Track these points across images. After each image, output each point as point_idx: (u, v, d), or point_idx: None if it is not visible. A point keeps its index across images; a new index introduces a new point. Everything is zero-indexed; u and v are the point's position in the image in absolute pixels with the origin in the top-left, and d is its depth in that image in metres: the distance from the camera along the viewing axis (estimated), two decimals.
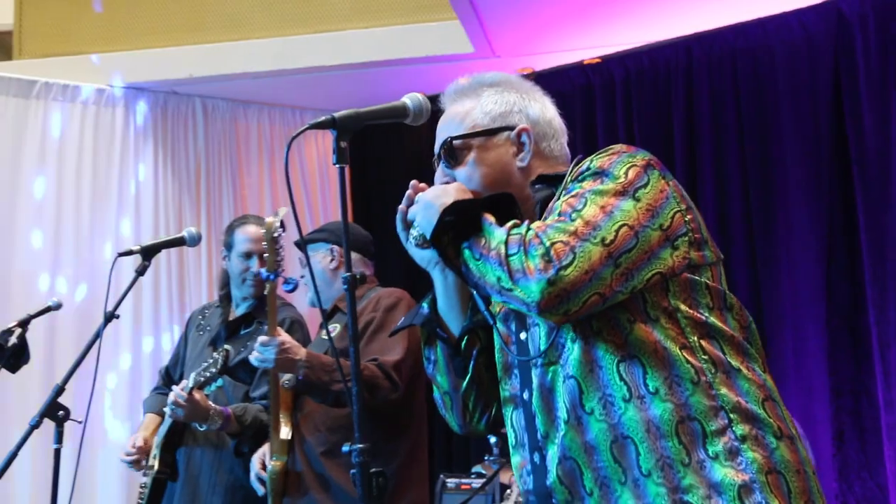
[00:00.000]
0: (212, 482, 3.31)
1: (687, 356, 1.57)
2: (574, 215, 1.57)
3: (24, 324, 3.20)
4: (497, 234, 1.60)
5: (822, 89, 4.58)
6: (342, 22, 5.43)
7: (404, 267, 4.66)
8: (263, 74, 5.62)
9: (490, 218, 1.65)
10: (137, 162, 5.65)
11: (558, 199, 1.67)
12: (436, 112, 1.92)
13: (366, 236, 3.37)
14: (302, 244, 3.13)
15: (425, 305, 1.90)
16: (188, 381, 3.15)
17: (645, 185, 1.61)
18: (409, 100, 1.85)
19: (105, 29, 5.60)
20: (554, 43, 5.20)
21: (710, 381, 1.57)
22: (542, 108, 1.86)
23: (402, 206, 1.80)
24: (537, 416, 1.68)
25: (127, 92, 5.69)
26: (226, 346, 3.07)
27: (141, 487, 3.42)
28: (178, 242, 3.13)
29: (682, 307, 1.60)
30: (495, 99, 1.84)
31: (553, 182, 1.74)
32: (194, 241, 3.10)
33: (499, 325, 1.81)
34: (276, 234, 2.92)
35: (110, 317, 2.87)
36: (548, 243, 1.53)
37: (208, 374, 3.07)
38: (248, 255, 3.44)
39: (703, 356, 1.58)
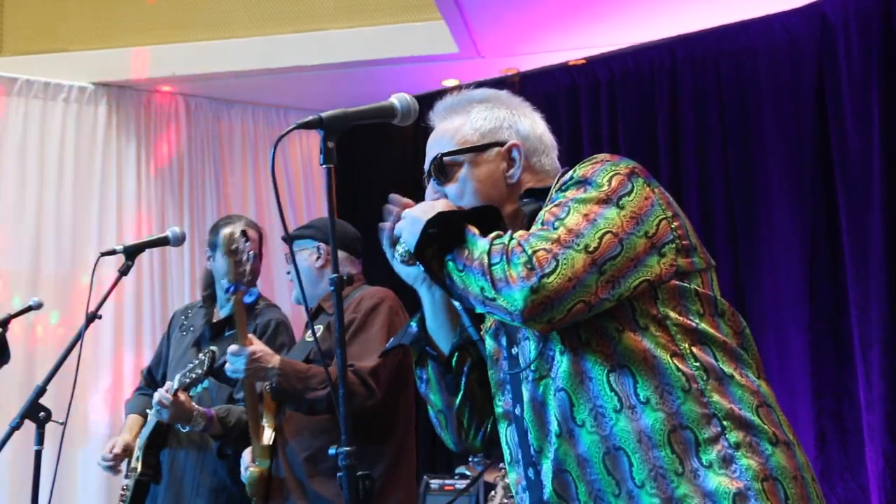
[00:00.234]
0: (195, 484, 3.28)
1: (678, 364, 1.56)
2: (557, 223, 1.56)
3: (3, 323, 3.17)
4: (480, 245, 1.59)
5: (804, 92, 4.61)
6: (327, 21, 5.42)
7: (389, 266, 4.66)
8: (247, 73, 5.60)
9: (473, 230, 1.64)
10: (120, 161, 5.61)
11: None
12: (423, 114, 1.91)
13: (353, 234, 3.32)
14: (288, 240, 3.10)
15: (414, 324, 1.89)
16: (173, 383, 3.12)
17: (629, 193, 1.60)
18: (396, 100, 1.83)
19: (87, 27, 5.56)
20: (539, 44, 5.21)
21: (702, 388, 1.55)
22: (532, 124, 1.85)
23: (387, 224, 1.79)
24: (530, 430, 1.66)
25: (109, 90, 5.66)
26: (211, 348, 3.04)
27: (123, 489, 3.39)
28: (162, 242, 3.10)
29: (672, 314, 1.59)
30: (485, 115, 1.83)
31: (541, 195, 1.73)
32: (178, 240, 3.08)
33: (489, 340, 1.80)
34: (234, 247, 2.86)
35: (92, 317, 2.83)
36: (530, 251, 1.52)
37: (194, 376, 3.05)
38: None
39: (695, 363, 1.57)
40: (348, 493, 1.66)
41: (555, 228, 1.55)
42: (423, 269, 1.68)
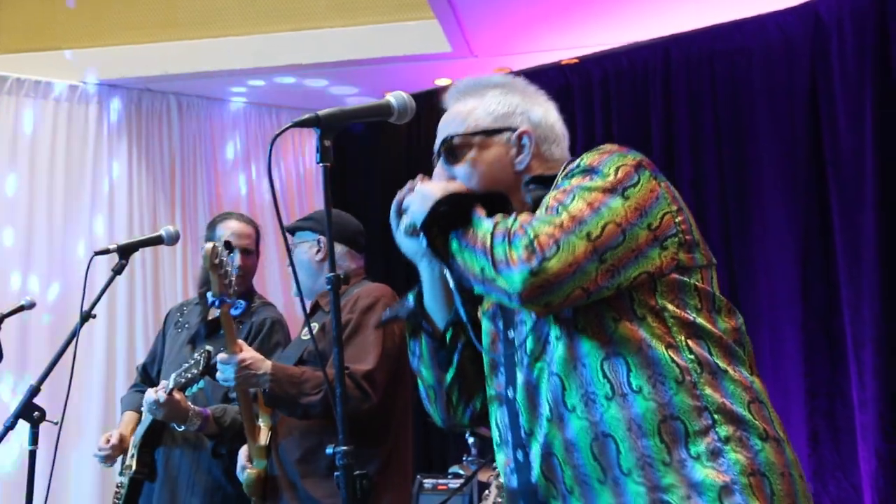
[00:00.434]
0: (190, 483, 3.27)
1: (672, 355, 1.57)
2: (560, 209, 1.56)
3: None
4: (484, 225, 1.61)
5: (798, 91, 4.62)
6: (320, 20, 5.41)
7: (383, 261, 4.65)
8: (238, 72, 5.59)
9: (481, 211, 1.65)
10: (111, 159, 5.60)
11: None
12: (418, 113, 1.90)
13: (355, 227, 3.21)
14: (290, 232, 3.09)
15: (411, 298, 1.90)
16: (168, 382, 3.11)
17: (635, 185, 1.60)
18: (393, 98, 1.83)
19: (78, 25, 5.53)
20: (532, 43, 5.21)
21: (695, 381, 1.56)
22: (545, 113, 1.86)
23: (399, 195, 1.80)
24: (521, 413, 1.67)
25: (100, 88, 5.64)
26: (207, 348, 3.03)
27: (117, 487, 3.38)
28: (156, 241, 3.09)
29: (670, 307, 1.60)
30: (499, 100, 1.84)
31: (547, 183, 1.73)
32: (172, 239, 3.06)
33: (486, 322, 1.81)
34: (217, 260, 2.82)
35: (86, 316, 2.82)
36: (532, 234, 1.53)
37: (189, 376, 3.04)
38: (230, 252, 3.42)
39: (690, 356, 1.57)
40: (345, 493, 1.65)
41: (558, 214, 1.56)
42: (425, 244, 1.68)
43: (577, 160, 1.68)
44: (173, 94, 5.83)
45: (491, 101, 1.84)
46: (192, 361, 3.05)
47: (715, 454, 1.53)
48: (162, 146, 5.76)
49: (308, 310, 3.10)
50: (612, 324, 1.59)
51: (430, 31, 5.18)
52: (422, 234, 1.68)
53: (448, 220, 1.65)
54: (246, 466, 3.00)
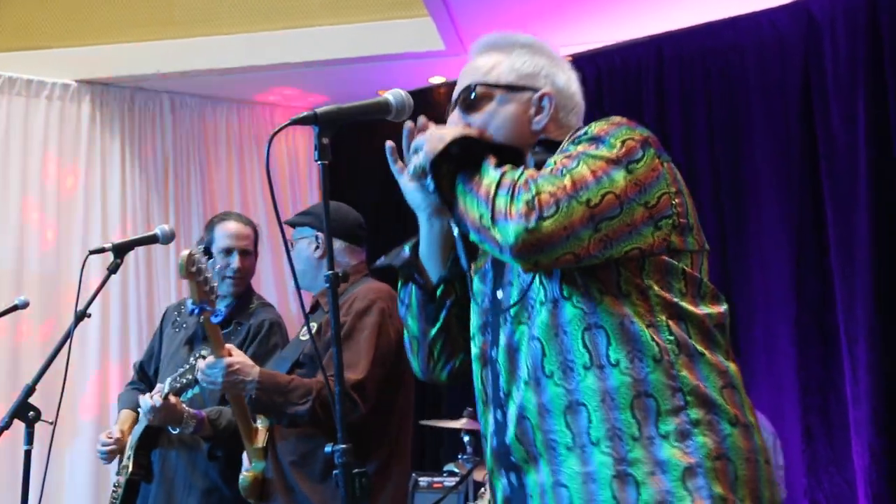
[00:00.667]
0: (187, 484, 3.26)
1: (652, 334, 1.58)
2: (564, 172, 1.58)
3: None
4: (491, 174, 1.62)
5: (791, 89, 4.63)
6: (313, 18, 5.39)
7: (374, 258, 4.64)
8: (231, 71, 5.57)
9: (491, 160, 1.66)
10: (104, 158, 5.57)
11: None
12: (414, 109, 1.89)
13: (354, 220, 3.14)
14: (290, 227, 3.08)
15: (407, 248, 1.91)
16: (164, 386, 3.10)
17: (638, 161, 1.61)
18: (391, 96, 1.82)
19: (70, 23, 5.51)
20: None
21: (673, 361, 1.58)
22: (568, 81, 1.88)
23: (390, 143, 1.81)
24: (501, 374, 1.70)
25: (93, 87, 5.61)
26: (202, 353, 3.00)
27: (114, 486, 3.37)
28: (151, 240, 3.08)
29: (655, 287, 1.61)
30: (525, 59, 1.85)
31: (552, 148, 1.73)
32: (167, 238, 3.05)
33: (476, 281, 1.83)
34: (194, 268, 2.77)
35: (81, 316, 2.81)
36: (535, 191, 1.54)
37: (184, 381, 3.02)
38: (228, 251, 3.40)
39: (669, 336, 1.59)
40: (344, 492, 1.65)
41: (562, 176, 1.57)
42: (431, 184, 1.69)
43: (585, 128, 1.69)
44: (166, 93, 5.81)
45: (517, 58, 1.85)
46: (188, 367, 3.04)
47: (683, 435, 1.55)
48: (155, 145, 5.74)
49: (308, 308, 3.08)
50: (598, 295, 1.61)
51: (423, 29, 5.18)
52: (429, 174, 1.68)
53: (458, 162, 1.66)
54: (243, 472, 2.98)
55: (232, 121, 6.04)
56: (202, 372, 2.82)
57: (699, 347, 1.61)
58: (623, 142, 1.62)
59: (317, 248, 3.07)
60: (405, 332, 1.94)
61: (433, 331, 1.89)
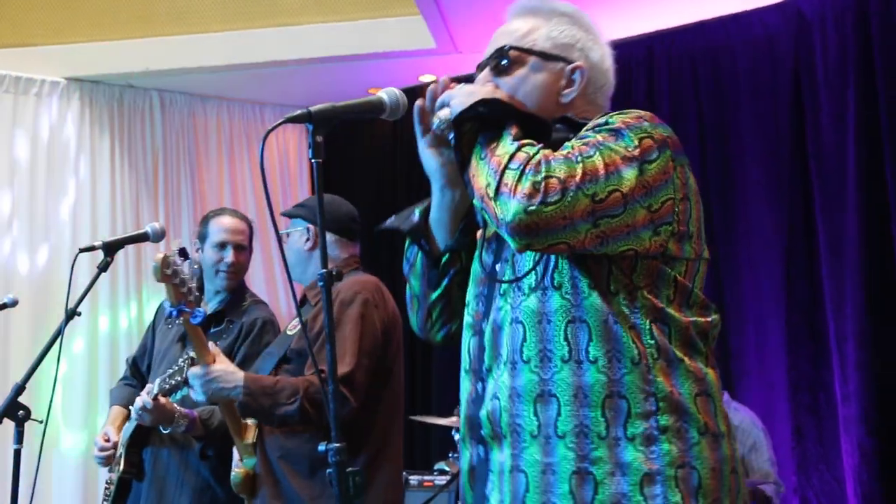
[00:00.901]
0: (179, 483, 3.24)
1: (633, 337, 1.58)
2: (579, 159, 1.55)
3: None
4: (507, 145, 1.60)
5: (781, 88, 4.64)
6: (302, 16, 5.38)
7: (369, 255, 4.63)
8: (221, 68, 5.56)
9: (514, 129, 1.63)
10: (93, 156, 5.55)
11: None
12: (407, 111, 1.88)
13: (346, 213, 3.10)
14: (285, 217, 3.06)
15: (417, 213, 1.89)
16: (153, 387, 3.09)
17: (652, 161, 1.59)
18: (385, 95, 1.80)
19: (60, 21, 5.48)
20: None
21: (650, 365, 1.57)
22: (602, 56, 1.84)
23: (420, 102, 1.78)
24: (486, 348, 1.71)
25: (82, 85, 5.59)
26: (191, 354, 2.99)
27: (107, 483, 3.36)
28: (142, 238, 3.05)
29: (644, 290, 1.61)
30: (563, 29, 1.81)
31: (574, 127, 1.70)
32: (158, 236, 3.03)
33: (483, 249, 1.81)
34: (170, 271, 2.74)
35: (72, 314, 2.79)
36: (544, 173, 1.52)
37: (173, 382, 3.01)
38: (222, 246, 3.39)
39: (650, 340, 1.59)
40: (338, 490, 1.64)
41: (576, 163, 1.55)
42: (453, 138, 1.67)
43: (607, 117, 1.66)
44: (155, 90, 5.79)
45: (555, 27, 1.81)
46: (177, 368, 3.02)
47: (649, 440, 1.55)
48: (144, 142, 5.73)
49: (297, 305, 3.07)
50: (587, 290, 1.60)
51: (413, 27, 5.17)
52: (453, 129, 1.66)
53: (482, 122, 1.64)
54: (234, 468, 2.97)
55: (222, 118, 6.03)
56: (191, 385, 2.81)
57: (679, 353, 1.60)
58: (641, 139, 1.60)
59: (307, 239, 3.06)
60: (407, 288, 1.93)
61: (434, 295, 1.89)
